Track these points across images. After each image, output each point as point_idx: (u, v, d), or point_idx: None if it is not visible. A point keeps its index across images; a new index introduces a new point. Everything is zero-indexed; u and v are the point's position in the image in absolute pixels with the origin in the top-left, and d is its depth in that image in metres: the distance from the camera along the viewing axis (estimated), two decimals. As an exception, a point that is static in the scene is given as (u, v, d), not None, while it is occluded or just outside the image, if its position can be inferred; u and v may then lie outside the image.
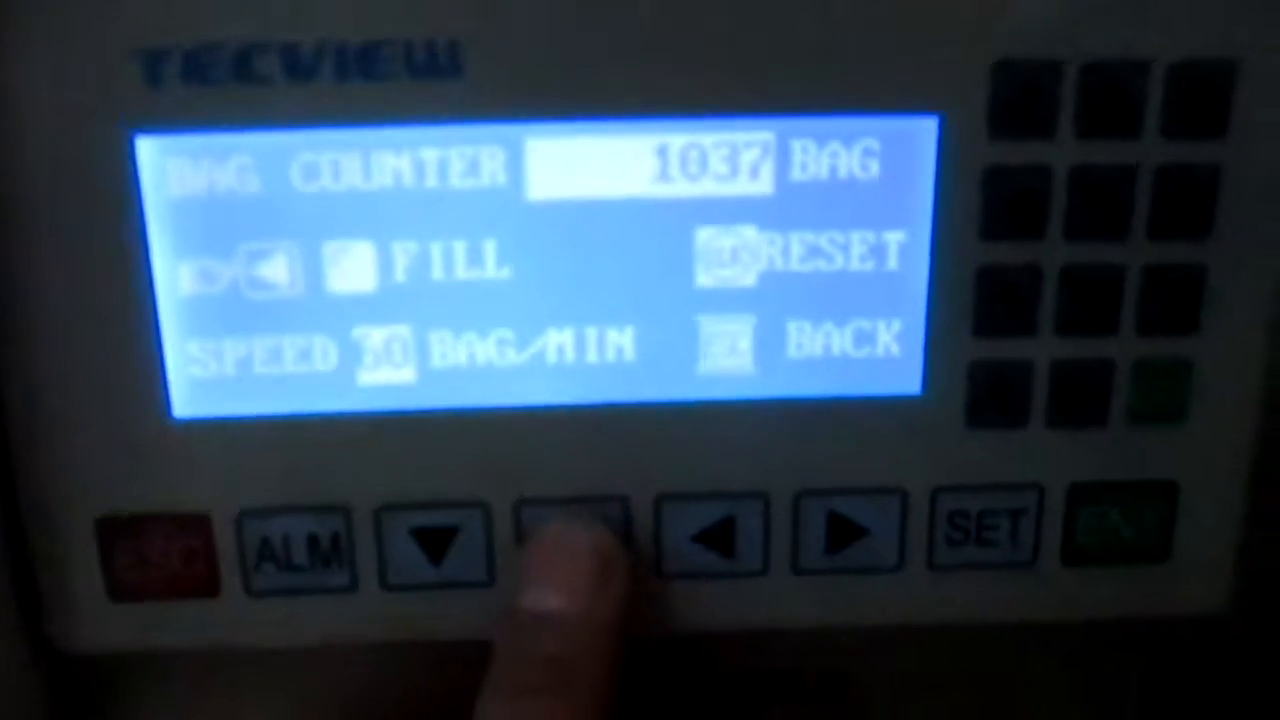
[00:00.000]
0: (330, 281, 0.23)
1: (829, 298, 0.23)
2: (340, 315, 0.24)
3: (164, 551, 0.25)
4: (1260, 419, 0.24)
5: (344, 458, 0.24)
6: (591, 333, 0.24)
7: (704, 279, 0.23)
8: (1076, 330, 0.23)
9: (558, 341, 0.24)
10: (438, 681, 0.23)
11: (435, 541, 0.25)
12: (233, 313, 0.24)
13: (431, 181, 0.23)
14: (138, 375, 0.24)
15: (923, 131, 0.22)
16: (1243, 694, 0.26)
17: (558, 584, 0.23)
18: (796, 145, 0.22)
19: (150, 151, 0.22)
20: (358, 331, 0.24)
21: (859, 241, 0.23)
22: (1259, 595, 0.25)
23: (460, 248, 0.23)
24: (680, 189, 0.23)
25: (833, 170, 0.23)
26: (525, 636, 0.22)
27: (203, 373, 0.24)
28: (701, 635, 0.25)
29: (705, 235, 0.23)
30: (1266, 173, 0.23)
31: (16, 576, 0.25)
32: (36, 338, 0.23)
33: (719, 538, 0.24)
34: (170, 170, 0.23)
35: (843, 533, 0.25)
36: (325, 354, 0.24)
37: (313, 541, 0.25)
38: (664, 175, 0.23)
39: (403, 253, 0.23)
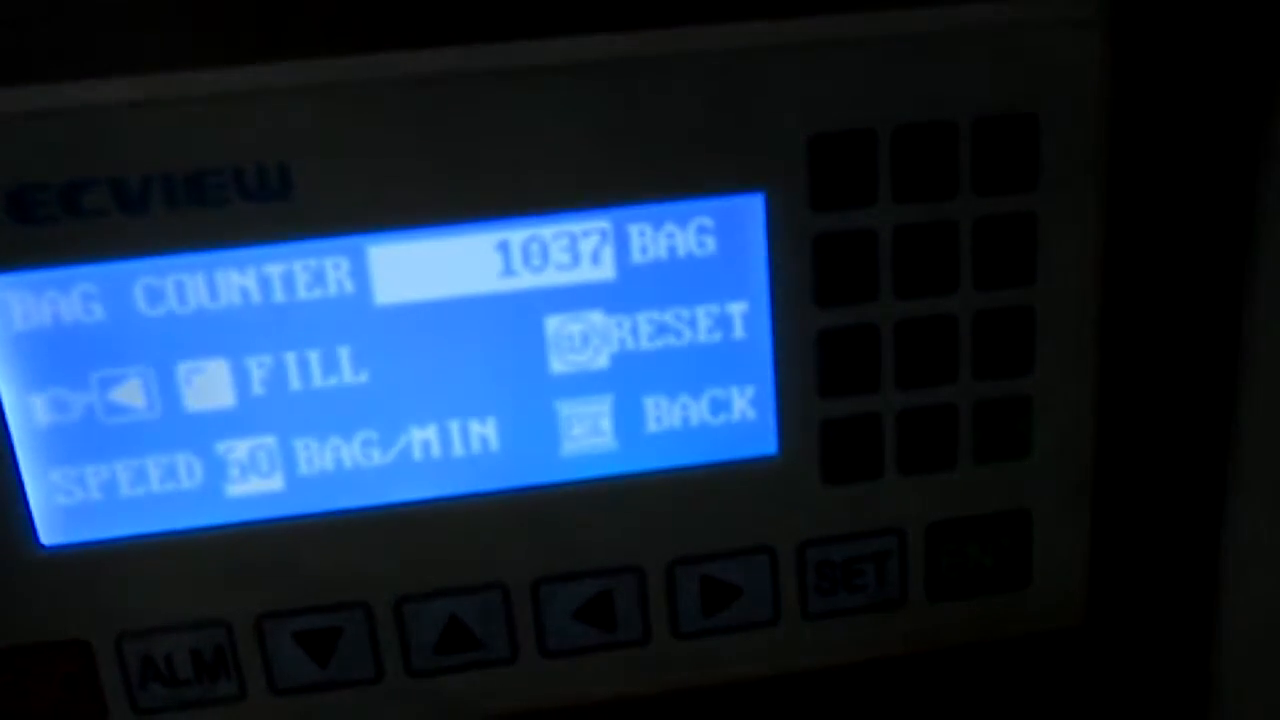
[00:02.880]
0: (187, 400, 0.24)
1: (682, 371, 0.24)
2: (201, 432, 0.24)
3: (45, 681, 0.25)
4: (1097, 443, 0.26)
5: (219, 571, 0.24)
6: (454, 426, 0.24)
7: (558, 365, 0.24)
8: (917, 382, 0.24)
9: (421, 438, 0.24)
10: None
11: (319, 644, 0.25)
12: (91, 439, 0.24)
13: (279, 296, 0.23)
14: (4, 508, 0.24)
15: (751, 208, 0.23)
16: (1098, 702, 0.28)
17: None
18: (634, 230, 0.23)
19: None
20: (221, 446, 0.24)
21: (704, 315, 0.24)
22: (1109, 606, 0.27)
23: (315, 356, 0.23)
24: (525, 281, 0.23)
25: (671, 250, 0.23)
26: None
27: (68, 500, 0.24)
28: (592, 706, 0.26)
29: (554, 323, 0.24)
30: (1077, 215, 0.24)
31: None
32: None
33: (598, 613, 0.25)
34: (13, 305, 0.23)
35: (717, 594, 0.25)
36: (190, 471, 0.24)
37: (196, 655, 0.25)
38: (508, 270, 0.23)
39: (258, 366, 0.23)
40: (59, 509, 0.24)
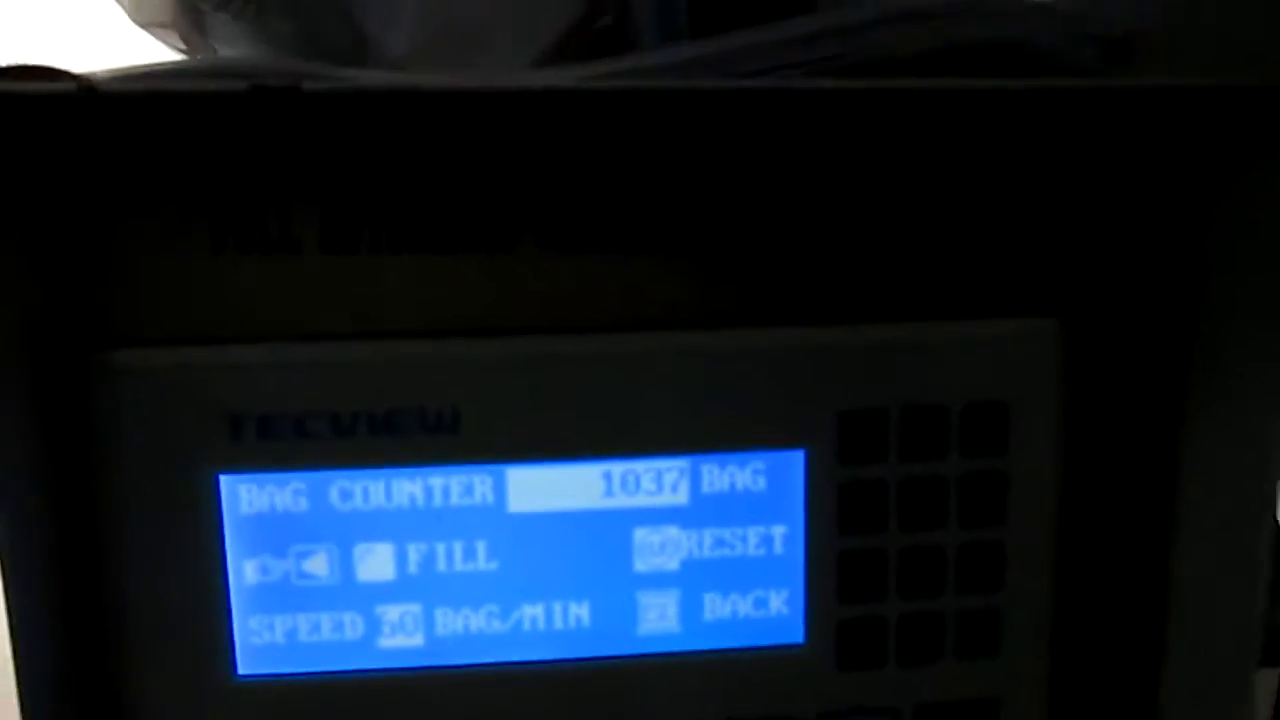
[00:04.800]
0: (359, 573, 0.31)
1: (734, 575, 0.32)
2: (366, 597, 0.31)
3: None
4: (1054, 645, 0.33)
5: (370, 706, 0.32)
6: (557, 606, 0.31)
7: (640, 565, 0.31)
8: (914, 595, 0.32)
9: (532, 614, 0.31)
10: None
11: (441, 771, 0.32)
12: (284, 596, 0.31)
13: (437, 500, 0.31)
14: (214, 644, 0.31)
15: (794, 459, 0.31)
16: None
17: None
18: (705, 469, 0.31)
19: (229, 486, 0.30)
20: (379, 608, 0.31)
21: (753, 534, 0.32)
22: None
23: (459, 546, 0.31)
24: (621, 501, 0.31)
25: (732, 484, 0.31)
26: None
27: (260, 641, 0.31)
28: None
29: (640, 534, 0.31)
30: (1040, 473, 0.32)
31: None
32: (141, 622, 0.30)
33: (661, 763, 0.32)
34: (242, 495, 0.31)
35: (752, 752, 0.32)
36: (354, 626, 0.31)
37: (346, 775, 0.32)
38: (609, 492, 0.31)
39: (415, 551, 0.31)
40: (253, 648, 0.31)
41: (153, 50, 0.44)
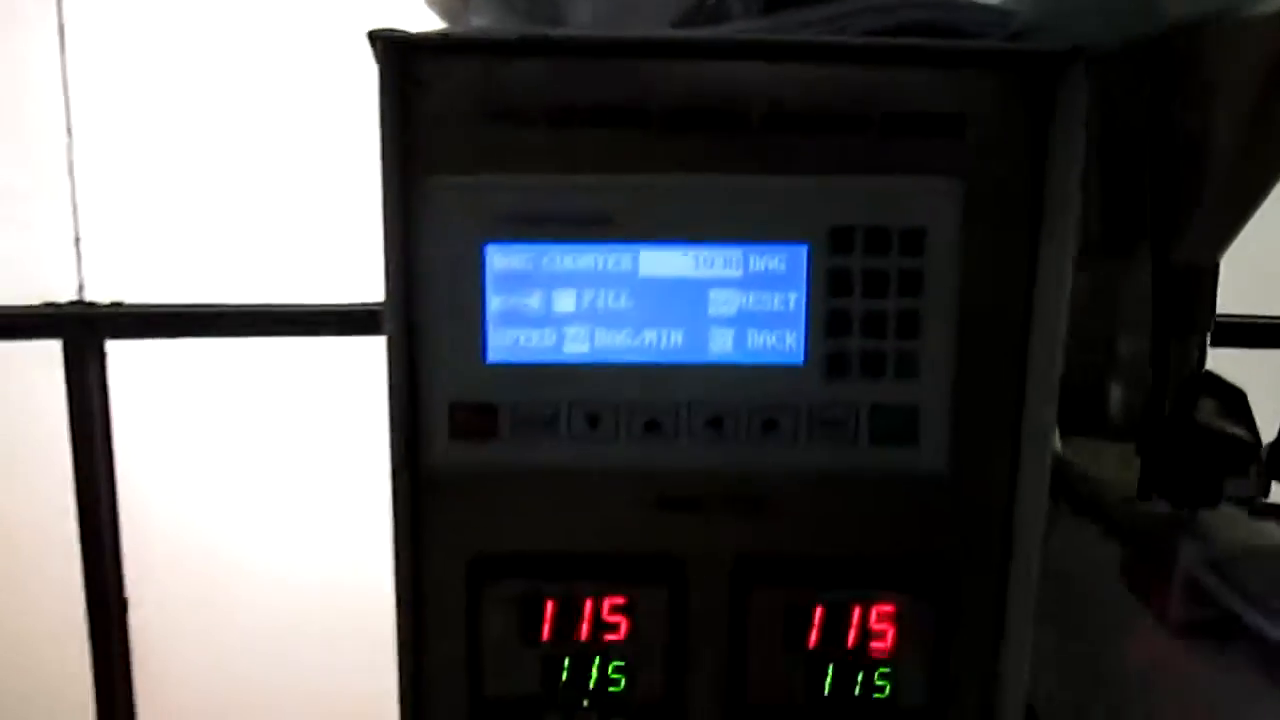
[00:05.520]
0: (554, 307, 0.56)
1: (766, 321, 0.55)
2: (558, 321, 0.56)
3: (472, 421, 0.57)
4: (956, 370, 0.55)
5: (557, 385, 0.56)
6: (664, 332, 0.56)
7: (713, 311, 0.55)
8: (871, 335, 0.55)
9: (650, 336, 0.56)
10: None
11: (592, 421, 0.56)
12: (514, 318, 0.56)
13: (599, 267, 0.55)
14: (475, 342, 0.56)
15: (801, 251, 0.54)
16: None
17: None
18: (751, 256, 0.55)
19: (490, 253, 0.55)
20: (565, 328, 0.56)
21: (777, 297, 0.55)
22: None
23: (610, 294, 0.56)
24: (703, 273, 0.55)
25: (766, 267, 0.55)
26: None
27: (500, 343, 0.56)
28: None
29: (713, 293, 0.55)
30: (947, 268, 0.54)
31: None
32: (440, 332, 0.56)
33: (717, 421, 0.56)
34: (497, 259, 0.56)
35: (769, 425, 0.56)
36: (550, 337, 0.56)
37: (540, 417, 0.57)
38: (696, 267, 0.55)
39: (588, 293, 0.56)
40: (496, 345, 0.56)
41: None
